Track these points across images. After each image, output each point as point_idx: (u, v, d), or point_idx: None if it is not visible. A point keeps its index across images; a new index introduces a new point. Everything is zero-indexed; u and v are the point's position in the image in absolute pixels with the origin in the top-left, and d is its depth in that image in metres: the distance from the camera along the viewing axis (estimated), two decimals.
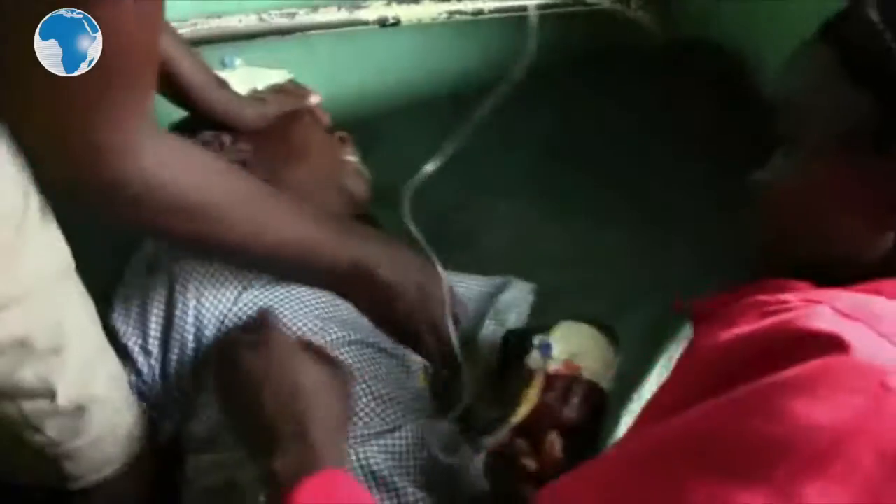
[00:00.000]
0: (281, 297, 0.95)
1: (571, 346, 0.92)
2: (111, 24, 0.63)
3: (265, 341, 0.82)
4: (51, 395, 0.76)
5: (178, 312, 0.92)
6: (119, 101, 0.71)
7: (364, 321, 0.98)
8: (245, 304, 0.94)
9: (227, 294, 0.94)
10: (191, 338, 0.92)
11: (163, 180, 0.79)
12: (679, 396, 0.64)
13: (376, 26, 1.33)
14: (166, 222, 0.83)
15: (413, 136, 1.30)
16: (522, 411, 0.88)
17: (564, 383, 0.89)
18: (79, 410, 0.79)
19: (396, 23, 1.34)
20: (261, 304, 0.93)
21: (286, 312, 0.93)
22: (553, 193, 1.31)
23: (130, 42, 0.68)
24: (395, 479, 0.85)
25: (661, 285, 1.19)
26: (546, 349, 0.91)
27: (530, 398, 0.88)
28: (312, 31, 1.32)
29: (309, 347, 0.84)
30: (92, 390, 0.80)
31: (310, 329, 0.92)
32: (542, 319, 1.13)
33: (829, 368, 0.55)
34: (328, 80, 1.36)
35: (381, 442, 0.87)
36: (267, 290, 0.95)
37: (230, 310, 0.93)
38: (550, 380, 0.89)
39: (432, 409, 0.96)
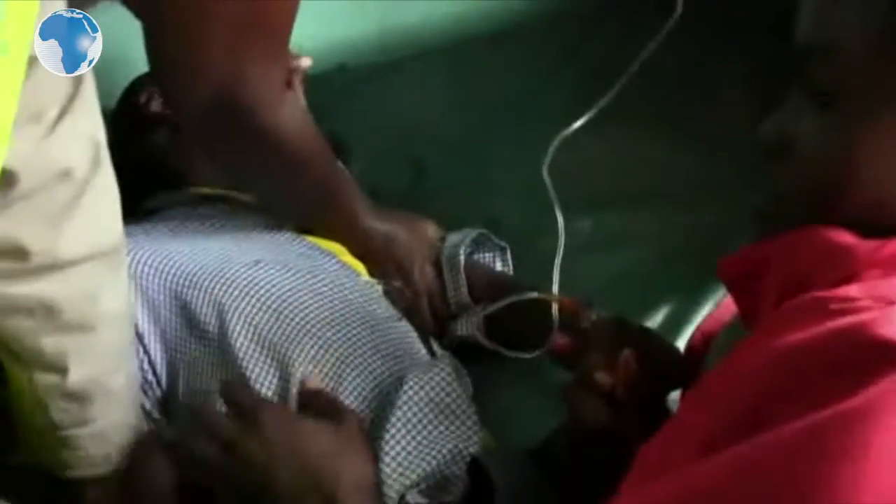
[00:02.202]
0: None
1: None
2: None
3: (257, 423, 0.78)
4: (63, 371, 0.76)
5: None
6: (263, 41, 0.86)
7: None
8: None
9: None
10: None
11: (282, 120, 0.93)
12: (725, 415, 0.54)
13: None
14: (263, 159, 0.95)
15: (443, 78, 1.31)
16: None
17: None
18: (87, 397, 0.78)
19: None
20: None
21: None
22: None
23: None
24: None
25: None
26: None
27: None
28: None
29: (312, 399, 0.84)
30: (106, 382, 0.80)
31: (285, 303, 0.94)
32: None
33: None
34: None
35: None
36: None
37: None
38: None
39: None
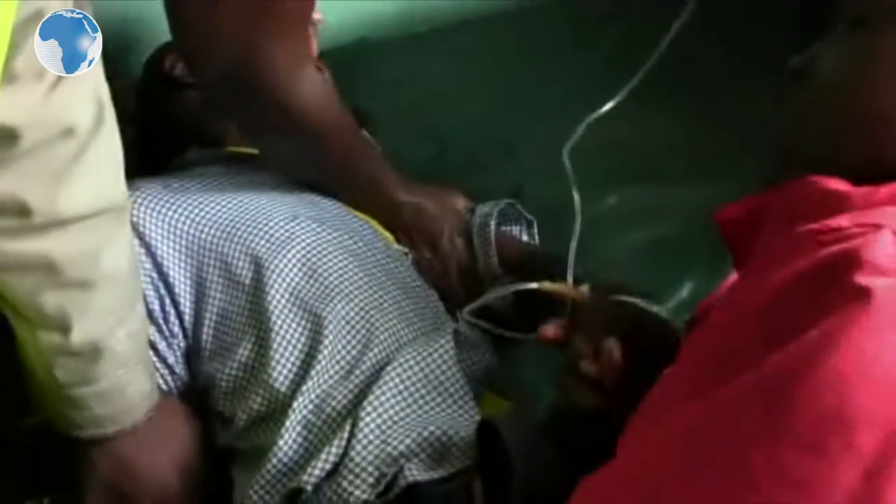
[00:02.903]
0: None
1: None
2: None
3: None
4: (65, 330, 0.76)
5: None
6: (278, 16, 0.88)
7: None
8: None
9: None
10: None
11: (300, 94, 0.94)
12: (723, 354, 0.55)
13: None
14: (280, 130, 0.96)
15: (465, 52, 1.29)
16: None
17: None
18: (91, 356, 0.78)
19: None
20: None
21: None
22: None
23: None
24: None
25: None
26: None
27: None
28: None
29: None
30: (109, 341, 0.79)
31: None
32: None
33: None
34: None
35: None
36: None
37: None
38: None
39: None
